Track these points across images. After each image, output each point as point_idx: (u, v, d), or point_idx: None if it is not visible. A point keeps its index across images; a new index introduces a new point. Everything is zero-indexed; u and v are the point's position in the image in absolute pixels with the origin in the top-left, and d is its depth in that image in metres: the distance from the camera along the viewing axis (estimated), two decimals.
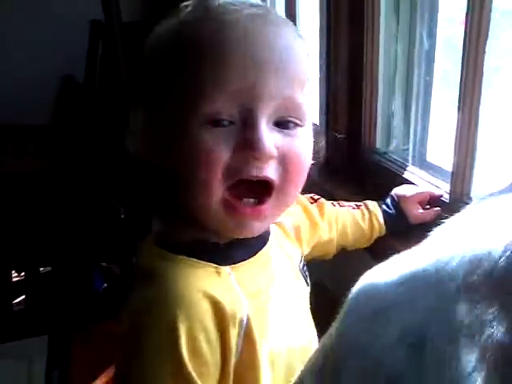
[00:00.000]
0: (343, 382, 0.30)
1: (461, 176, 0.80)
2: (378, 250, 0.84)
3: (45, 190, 1.97)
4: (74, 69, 2.15)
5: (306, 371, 0.35)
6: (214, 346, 0.51)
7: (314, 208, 0.75)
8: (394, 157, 1.05)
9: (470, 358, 0.25)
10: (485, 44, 0.72)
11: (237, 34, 0.50)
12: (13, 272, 1.95)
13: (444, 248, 0.30)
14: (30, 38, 2.15)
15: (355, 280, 0.35)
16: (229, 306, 0.52)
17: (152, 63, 0.55)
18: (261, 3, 0.57)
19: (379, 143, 1.08)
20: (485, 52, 0.73)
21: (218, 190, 0.51)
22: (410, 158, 1.05)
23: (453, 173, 0.82)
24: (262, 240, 0.60)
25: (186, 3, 0.55)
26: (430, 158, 1.04)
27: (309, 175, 0.79)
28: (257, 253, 0.59)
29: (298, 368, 0.56)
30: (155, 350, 0.50)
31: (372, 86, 1.05)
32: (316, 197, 0.78)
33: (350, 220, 0.79)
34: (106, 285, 2.14)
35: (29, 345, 1.53)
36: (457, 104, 0.79)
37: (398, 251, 0.36)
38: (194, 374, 0.49)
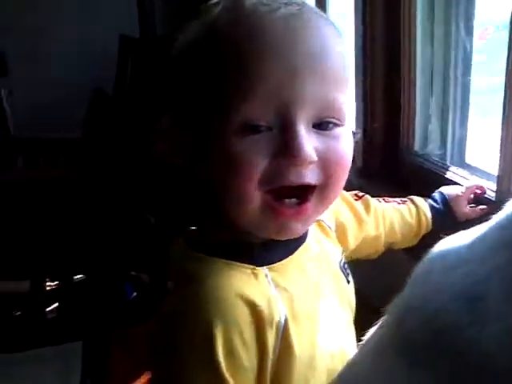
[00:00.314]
0: (407, 323, 0.32)
1: (507, 173, 0.80)
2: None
3: (75, 199, 2.00)
4: (105, 83, 2.20)
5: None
6: (251, 349, 0.50)
7: (359, 204, 0.74)
8: (434, 158, 1.05)
9: None
10: None
11: (271, 37, 0.48)
12: (47, 280, 1.97)
13: None
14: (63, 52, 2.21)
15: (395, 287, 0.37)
16: (266, 308, 0.51)
17: (183, 67, 0.54)
18: (297, 0, 0.53)
19: (417, 146, 1.09)
20: None
21: (256, 197, 0.50)
22: (448, 160, 1.05)
23: (499, 170, 0.82)
24: (299, 238, 0.58)
25: (214, 1, 0.53)
26: (469, 160, 1.04)
27: (347, 179, 0.80)
28: (294, 252, 0.57)
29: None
30: (190, 353, 0.49)
31: (410, 88, 1.06)
32: (360, 194, 0.76)
33: (397, 215, 0.78)
34: (135, 294, 2.16)
35: (65, 349, 1.54)
36: (502, 102, 0.79)
37: None
38: (228, 377, 0.48)
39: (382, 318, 0.37)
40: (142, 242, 2.12)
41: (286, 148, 0.49)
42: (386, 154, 1.12)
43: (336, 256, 0.64)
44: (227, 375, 0.48)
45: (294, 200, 0.51)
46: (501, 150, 0.81)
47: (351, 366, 0.40)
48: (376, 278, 0.91)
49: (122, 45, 2.23)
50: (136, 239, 2.12)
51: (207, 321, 0.48)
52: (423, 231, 0.81)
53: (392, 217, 0.78)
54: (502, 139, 0.81)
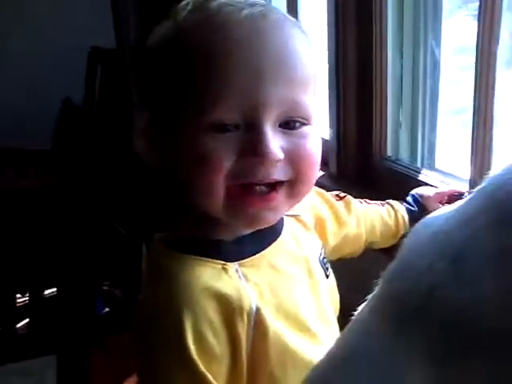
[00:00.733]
0: (394, 286, 0.34)
1: (478, 173, 0.85)
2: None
3: (45, 211, 1.97)
4: (73, 93, 2.19)
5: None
6: (222, 339, 0.52)
7: (340, 204, 0.76)
8: (406, 163, 1.10)
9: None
10: (496, 45, 0.78)
11: (237, 38, 0.49)
12: (17, 295, 1.93)
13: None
14: (30, 64, 2.19)
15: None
16: (235, 298, 0.53)
17: (153, 65, 0.55)
18: (261, 1, 0.54)
19: (390, 151, 1.14)
20: (496, 57, 0.79)
21: (223, 190, 0.52)
22: (418, 165, 1.11)
23: (471, 171, 0.87)
24: (273, 233, 0.60)
25: (184, 2, 0.54)
26: (439, 164, 1.10)
27: (323, 184, 0.83)
28: (266, 247, 0.59)
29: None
30: (162, 346, 0.51)
31: (381, 98, 1.11)
32: (342, 194, 0.79)
33: (377, 216, 0.82)
34: (107, 309, 2.13)
35: (40, 362, 1.52)
36: (472, 108, 0.84)
37: None
38: (202, 367, 0.50)
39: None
40: (114, 254, 2.11)
41: (252, 148, 0.50)
42: (360, 160, 1.16)
43: (315, 250, 0.66)
44: (200, 364, 0.50)
45: (263, 187, 0.53)
46: (472, 154, 0.86)
47: (340, 337, 0.42)
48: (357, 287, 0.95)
49: (91, 55, 2.22)
50: (108, 252, 2.10)
51: (177, 312, 0.51)
52: (401, 232, 0.84)
53: (372, 217, 0.81)
54: (472, 144, 0.86)
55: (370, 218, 0.80)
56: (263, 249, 0.59)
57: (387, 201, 0.87)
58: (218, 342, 0.51)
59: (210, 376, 0.51)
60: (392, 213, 0.83)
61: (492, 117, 0.83)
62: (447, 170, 1.04)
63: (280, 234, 0.61)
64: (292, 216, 0.65)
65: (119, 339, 1.44)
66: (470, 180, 0.88)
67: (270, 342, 0.54)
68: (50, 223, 1.98)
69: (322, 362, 0.40)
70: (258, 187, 0.53)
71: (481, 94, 0.83)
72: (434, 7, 1.02)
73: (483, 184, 0.34)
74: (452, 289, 0.31)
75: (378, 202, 0.86)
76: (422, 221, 0.38)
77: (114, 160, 2.08)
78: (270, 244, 0.60)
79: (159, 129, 0.55)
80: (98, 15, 2.27)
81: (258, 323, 0.54)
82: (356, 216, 0.78)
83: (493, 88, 0.82)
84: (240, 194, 0.53)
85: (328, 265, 0.68)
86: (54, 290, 2.04)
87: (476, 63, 0.83)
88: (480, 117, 0.84)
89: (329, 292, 0.66)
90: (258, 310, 0.54)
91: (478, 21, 0.80)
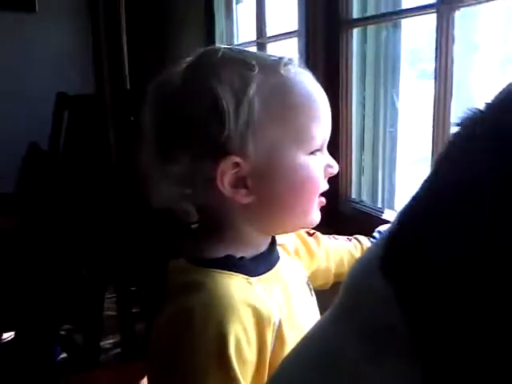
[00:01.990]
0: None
1: None
2: None
3: (5, 252, 1.96)
4: (40, 138, 2.22)
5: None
6: (253, 347, 0.56)
7: (311, 239, 0.82)
8: (368, 204, 1.21)
9: None
10: (451, 98, 0.92)
11: (316, 89, 0.63)
12: None
13: None
14: None
15: None
16: (265, 310, 0.57)
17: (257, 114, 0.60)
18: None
19: (354, 194, 1.25)
20: (450, 110, 0.93)
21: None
22: (380, 206, 1.22)
23: None
24: (276, 255, 0.67)
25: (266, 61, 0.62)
26: (398, 205, 1.21)
27: None
28: (274, 265, 0.65)
29: None
30: (205, 352, 0.54)
31: (347, 146, 1.23)
32: (312, 231, 0.84)
33: (345, 250, 0.87)
34: (65, 355, 2.09)
35: None
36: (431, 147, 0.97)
37: None
38: (239, 373, 0.54)
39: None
40: (76, 297, 2.09)
41: (331, 165, 0.64)
42: (328, 202, 1.26)
43: (301, 273, 0.74)
44: (237, 369, 0.54)
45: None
46: None
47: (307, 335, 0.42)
48: None
49: (58, 101, 2.27)
50: (69, 295, 2.08)
51: (219, 322, 0.54)
52: None
53: (341, 251, 0.87)
54: None
55: (338, 252, 0.86)
56: (272, 267, 0.65)
57: (354, 236, 0.93)
58: (250, 350, 0.56)
59: (243, 382, 0.55)
60: (358, 246, 0.90)
61: None
62: None
63: (279, 255, 0.69)
64: (279, 244, 0.72)
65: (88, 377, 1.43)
66: None
67: (286, 349, 0.60)
68: (11, 265, 1.96)
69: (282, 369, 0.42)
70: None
71: (438, 144, 0.96)
72: (393, 63, 1.17)
73: None
74: None
75: (345, 237, 0.94)
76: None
77: (79, 204, 2.10)
78: (276, 263, 0.67)
79: (254, 167, 0.59)
80: (66, 61, 2.34)
81: (279, 333, 0.59)
82: (325, 250, 0.84)
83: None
84: (318, 203, 0.65)
85: (311, 286, 0.75)
86: (12, 333, 1.99)
87: (433, 117, 0.96)
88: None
89: (313, 309, 0.73)
90: (280, 320, 0.60)
91: (435, 81, 0.94)
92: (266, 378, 0.59)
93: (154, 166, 0.63)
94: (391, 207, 1.21)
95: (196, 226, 0.69)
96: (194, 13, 1.91)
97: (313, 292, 0.75)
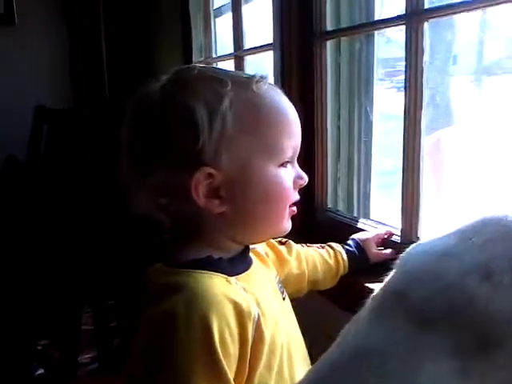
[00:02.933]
0: (412, 296, 0.40)
1: (409, 219, 0.98)
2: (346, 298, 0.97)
3: None
4: (18, 150, 2.21)
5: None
6: (235, 341, 0.59)
7: (282, 247, 0.86)
8: (344, 213, 1.22)
9: None
10: (421, 109, 0.93)
11: (288, 104, 0.68)
12: None
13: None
14: None
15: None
16: (245, 304, 0.61)
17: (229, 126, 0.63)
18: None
19: (330, 203, 1.26)
20: (421, 121, 0.94)
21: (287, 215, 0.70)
22: (355, 214, 1.23)
23: (402, 216, 1.00)
24: (249, 258, 0.72)
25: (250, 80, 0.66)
26: (373, 214, 1.23)
27: None
28: (250, 266, 0.70)
29: (295, 356, 0.69)
30: (191, 348, 0.56)
31: (322, 157, 1.24)
32: (284, 240, 0.88)
33: (318, 256, 0.91)
34: (42, 371, 2.05)
35: None
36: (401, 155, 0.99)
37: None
38: (225, 365, 0.57)
39: (365, 305, 0.44)
40: (53, 313, 2.07)
41: (301, 176, 0.70)
42: (303, 212, 1.27)
43: (271, 275, 0.77)
44: (223, 361, 0.57)
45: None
46: (402, 199, 1.00)
47: (336, 345, 0.44)
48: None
49: (37, 115, 2.27)
50: (46, 310, 2.06)
51: (204, 317, 0.57)
52: (341, 271, 0.94)
53: (314, 257, 0.91)
54: (402, 198, 1.00)
55: (311, 259, 0.90)
56: (248, 267, 0.70)
57: (327, 243, 0.96)
58: (232, 343, 0.58)
59: (229, 374, 0.57)
60: (331, 252, 0.93)
61: (419, 175, 0.97)
62: (381, 220, 1.17)
63: (252, 259, 0.72)
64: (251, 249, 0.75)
65: None
66: (401, 229, 1.01)
67: (265, 343, 0.63)
68: None
69: (316, 369, 0.43)
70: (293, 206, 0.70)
71: (409, 155, 0.98)
72: (367, 75, 1.19)
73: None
74: (490, 298, 0.37)
75: (318, 244, 0.95)
76: (415, 248, 0.45)
77: (55, 217, 2.08)
78: (251, 264, 0.71)
79: (227, 178, 0.63)
80: (45, 75, 2.33)
81: (258, 327, 0.62)
82: (297, 257, 0.87)
83: (419, 150, 0.96)
84: (288, 212, 0.69)
85: (283, 289, 0.77)
86: None
87: (404, 128, 0.97)
88: (408, 174, 0.98)
89: (287, 311, 0.75)
90: (258, 315, 0.62)
91: (405, 92, 0.96)
92: (246, 372, 0.61)
93: (132, 177, 0.66)
94: (367, 216, 1.22)
95: (169, 234, 0.71)
96: (172, 27, 1.92)
97: (285, 295, 0.77)
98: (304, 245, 0.92)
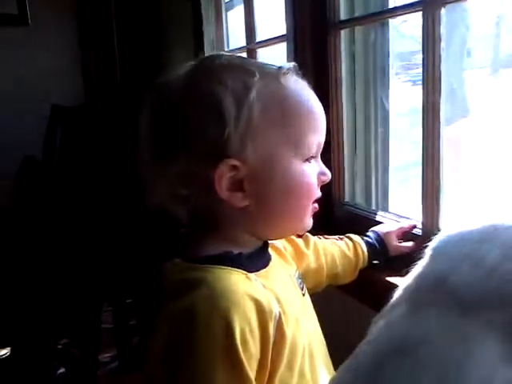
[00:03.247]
0: (452, 282, 0.38)
1: (430, 212, 0.95)
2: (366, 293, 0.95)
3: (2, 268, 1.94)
4: (34, 150, 2.22)
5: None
6: (256, 340, 0.57)
7: (299, 240, 0.84)
8: (362, 206, 1.20)
9: None
10: (439, 97, 0.90)
11: (313, 95, 0.66)
12: None
13: None
14: None
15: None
16: (266, 303, 0.59)
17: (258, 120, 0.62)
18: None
19: (347, 197, 1.23)
20: (440, 114, 0.91)
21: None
22: (374, 209, 1.20)
23: (423, 209, 0.97)
24: (269, 254, 0.70)
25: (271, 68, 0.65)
26: (392, 207, 1.20)
27: None
28: (268, 263, 0.68)
29: (317, 355, 0.67)
30: (211, 346, 0.54)
31: (338, 149, 1.22)
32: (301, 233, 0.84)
33: (336, 249, 0.88)
34: (63, 370, 2.06)
35: None
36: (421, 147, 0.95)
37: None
38: (246, 365, 0.55)
39: (395, 297, 0.43)
40: (73, 312, 2.08)
41: (324, 172, 0.68)
42: (321, 206, 1.25)
43: (291, 272, 0.75)
44: (244, 360, 0.55)
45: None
46: (422, 193, 0.97)
47: (383, 335, 0.41)
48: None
49: (52, 114, 2.27)
50: (66, 310, 2.07)
51: (225, 315, 0.55)
52: (361, 264, 0.91)
53: (332, 250, 0.88)
54: (423, 191, 0.97)
55: (329, 251, 0.87)
56: (267, 264, 0.68)
57: (346, 235, 0.93)
58: (253, 342, 0.57)
59: (251, 374, 0.56)
60: (350, 245, 0.90)
61: (439, 167, 0.94)
62: (400, 213, 1.14)
63: (270, 255, 0.70)
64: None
65: None
66: (422, 221, 0.98)
67: (286, 343, 0.61)
68: (7, 279, 1.94)
69: (349, 368, 0.41)
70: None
71: (428, 146, 0.95)
72: (382, 67, 1.15)
73: None
74: None
75: (337, 236, 0.92)
76: (444, 237, 0.44)
77: (72, 216, 2.09)
78: (269, 261, 0.69)
79: (251, 171, 0.61)
80: (60, 74, 2.34)
81: (279, 326, 0.60)
82: (315, 250, 0.85)
83: (438, 141, 0.93)
84: (311, 209, 0.68)
85: (303, 285, 0.75)
86: (8, 349, 1.97)
87: (423, 120, 0.94)
88: (428, 166, 0.95)
89: (307, 308, 0.73)
90: (280, 314, 0.60)
91: (423, 81, 0.93)
92: (267, 372, 0.59)
93: (152, 166, 0.64)
94: (385, 209, 1.20)
95: (186, 228, 0.69)
96: (183, 20, 1.90)
97: (305, 291, 0.75)
98: (321, 237, 0.90)
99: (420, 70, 0.93)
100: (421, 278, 0.42)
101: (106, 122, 2.15)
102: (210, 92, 0.60)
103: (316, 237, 0.88)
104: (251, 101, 0.60)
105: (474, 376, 0.34)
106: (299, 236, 0.84)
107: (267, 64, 0.67)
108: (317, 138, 0.65)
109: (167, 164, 0.62)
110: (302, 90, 0.65)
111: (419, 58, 0.94)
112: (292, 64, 0.65)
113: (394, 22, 1.16)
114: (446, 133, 1.39)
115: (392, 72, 1.17)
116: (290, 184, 0.63)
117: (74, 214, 2.07)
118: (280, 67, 0.64)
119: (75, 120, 2.25)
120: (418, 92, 0.95)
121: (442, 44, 0.89)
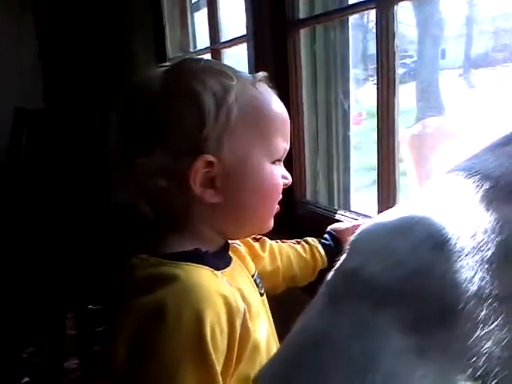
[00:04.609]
0: (366, 272, 0.38)
1: (386, 209, 0.95)
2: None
3: None
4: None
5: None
6: (224, 335, 0.58)
7: (255, 244, 0.85)
8: (324, 205, 1.19)
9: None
10: (394, 96, 0.91)
11: (281, 103, 0.70)
12: None
13: None
14: None
15: None
16: (233, 300, 0.60)
17: (233, 120, 0.64)
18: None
19: (309, 196, 1.23)
20: (394, 108, 0.91)
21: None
22: (335, 208, 1.20)
23: (378, 207, 0.97)
24: (229, 254, 0.71)
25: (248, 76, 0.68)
26: (354, 207, 1.20)
27: None
28: (230, 262, 0.69)
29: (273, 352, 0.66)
30: (182, 342, 0.55)
31: (299, 149, 1.21)
32: (258, 236, 0.86)
33: (292, 252, 0.89)
34: (27, 379, 2.02)
35: None
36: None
37: None
38: (215, 360, 0.56)
39: (320, 292, 0.42)
40: (37, 320, 2.03)
41: (286, 176, 0.71)
42: (283, 205, 1.24)
43: (249, 271, 0.75)
44: (213, 356, 0.56)
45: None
46: (378, 190, 0.97)
47: (301, 329, 0.41)
48: None
49: (16, 117, 2.23)
50: (30, 318, 2.02)
51: (197, 310, 0.56)
52: (320, 266, 0.91)
53: (288, 252, 0.89)
54: (378, 192, 0.97)
55: (285, 254, 0.88)
56: (230, 263, 0.69)
57: (304, 238, 0.94)
58: (221, 337, 0.58)
59: (218, 368, 0.56)
60: (307, 247, 0.91)
61: (394, 165, 0.94)
62: (360, 211, 1.14)
63: (231, 256, 0.71)
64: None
65: None
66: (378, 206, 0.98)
67: (250, 338, 0.61)
68: None
69: (273, 360, 0.41)
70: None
71: (383, 145, 0.95)
72: (342, 66, 1.16)
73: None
74: (444, 266, 0.36)
75: (294, 240, 0.93)
76: (370, 223, 0.44)
77: (40, 216, 2.05)
78: (231, 261, 0.70)
79: (225, 169, 0.64)
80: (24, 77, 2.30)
81: (244, 322, 0.61)
82: (270, 253, 0.86)
83: (394, 140, 0.94)
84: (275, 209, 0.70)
85: (261, 284, 0.76)
86: None
87: (377, 120, 0.94)
88: (384, 165, 0.95)
89: (265, 308, 0.74)
90: (245, 310, 0.61)
91: (377, 79, 0.93)
92: (233, 366, 0.60)
93: (126, 160, 0.64)
94: (347, 208, 1.20)
95: (150, 225, 0.69)
96: (146, 22, 1.89)
97: (263, 291, 0.76)
98: (279, 241, 0.90)
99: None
100: (338, 272, 0.42)
101: (66, 124, 2.11)
102: (191, 90, 0.63)
103: (273, 241, 0.89)
104: (230, 103, 0.63)
105: (380, 369, 0.33)
106: (256, 240, 0.86)
107: (240, 71, 0.70)
108: (284, 142, 0.68)
109: (141, 157, 0.63)
110: (273, 97, 0.69)
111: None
112: (265, 73, 0.70)
113: (370, 25, 1.17)
114: (410, 131, 1.41)
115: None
116: (261, 183, 0.66)
117: (35, 220, 2.03)
118: (256, 75, 0.69)
119: (40, 123, 2.22)
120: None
121: (396, 42, 0.89)
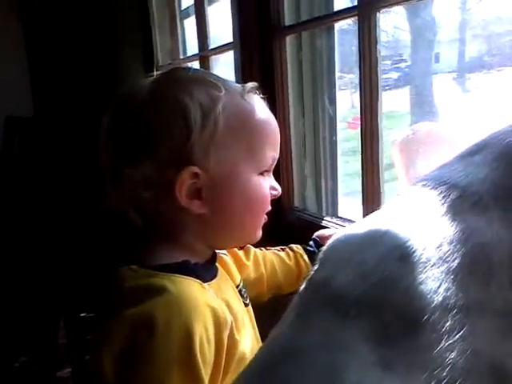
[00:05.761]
0: (335, 284, 0.38)
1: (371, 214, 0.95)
2: None
3: None
4: None
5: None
6: (212, 347, 0.58)
7: (240, 252, 0.85)
8: (312, 212, 1.19)
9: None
10: (377, 102, 0.91)
11: (270, 113, 0.70)
12: None
13: None
14: None
15: None
16: (221, 312, 0.60)
17: (221, 133, 0.64)
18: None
19: (297, 203, 1.23)
20: (377, 115, 0.91)
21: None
22: (323, 213, 1.20)
23: (363, 213, 0.97)
24: (216, 265, 0.71)
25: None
26: (341, 213, 1.20)
27: None
28: (217, 274, 0.69)
29: None
30: (168, 351, 0.55)
31: (287, 155, 1.21)
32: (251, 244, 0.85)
33: (277, 260, 0.89)
34: None
35: None
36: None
37: None
38: (203, 372, 0.56)
39: (292, 303, 0.42)
40: (31, 329, 2.02)
41: (275, 187, 0.70)
42: (271, 212, 1.24)
43: (235, 282, 0.75)
44: (202, 368, 0.56)
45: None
46: (363, 200, 0.97)
47: (271, 341, 0.41)
48: None
49: (7, 125, 2.23)
50: (24, 327, 2.02)
51: (186, 322, 0.56)
52: (304, 272, 0.90)
53: (272, 260, 0.88)
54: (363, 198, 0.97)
55: (269, 261, 0.88)
56: (216, 275, 0.68)
57: (288, 245, 0.94)
58: (209, 349, 0.58)
59: (206, 380, 0.56)
60: (291, 254, 0.91)
61: (379, 170, 0.94)
62: (348, 217, 1.14)
63: (217, 266, 0.71)
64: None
65: None
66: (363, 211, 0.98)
67: (237, 349, 0.61)
68: None
69: (245, 373, 0.41)
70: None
71: (367, 151, 0.95)
72: (328, 72, 1.16)
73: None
74: (409, 277, 0.36)
75: (279, 247, 0.93)
76: (340, 236, 0.44)
77: (31, 225, 2.05)
78: (217, 272, 0.69)
79: (211, 180, 0.63)
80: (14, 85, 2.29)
81: (231, 333, 0.61)
82: (254, 261, 0.86)
83: (377, 145, 0.94)
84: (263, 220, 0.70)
85: (247, 295, 0.76)
86: None
87: (361, 131, 0.95)
88: (368, 170, 0.95)
89: (250, 318, 0.73)
90: (232, 322, 0.61)
91: (360, 84, 0.93)
92: (220, 378, 0.60)
93: (115, 170, 0.65)
94: (335, 214, 1.20)
95: (138, 236, 0.69)
96: (133, 32, 1.89)
97: (248, 301, 0.76)
98: (263, 248, 0.90)
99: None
100: (308, 284, 0.42)
101: (56, 132, 2.11)
102: (177, 101, 0.62)
103: (257, 249, 0.88)
104: (217, 113, 0.63)
105: (347, 381, 0.33)
106: (240, 248, 0.85)
107: (230, 81, 0.70)
108: (273, 153, 0.68)
109: (130, 168, 0.63)
110: (262, 108, 0.69)
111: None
112: (254, 84, 0.69)
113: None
114: (401, 136, 1.40)
115: (338, 74, 1.17)
116: (247, 195, 0.66)
117: (27, 228, 2.03)
118: (244, 85, 0.68)
119: (31, 131, 2.21)
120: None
121: (379, 47, 0.90)
